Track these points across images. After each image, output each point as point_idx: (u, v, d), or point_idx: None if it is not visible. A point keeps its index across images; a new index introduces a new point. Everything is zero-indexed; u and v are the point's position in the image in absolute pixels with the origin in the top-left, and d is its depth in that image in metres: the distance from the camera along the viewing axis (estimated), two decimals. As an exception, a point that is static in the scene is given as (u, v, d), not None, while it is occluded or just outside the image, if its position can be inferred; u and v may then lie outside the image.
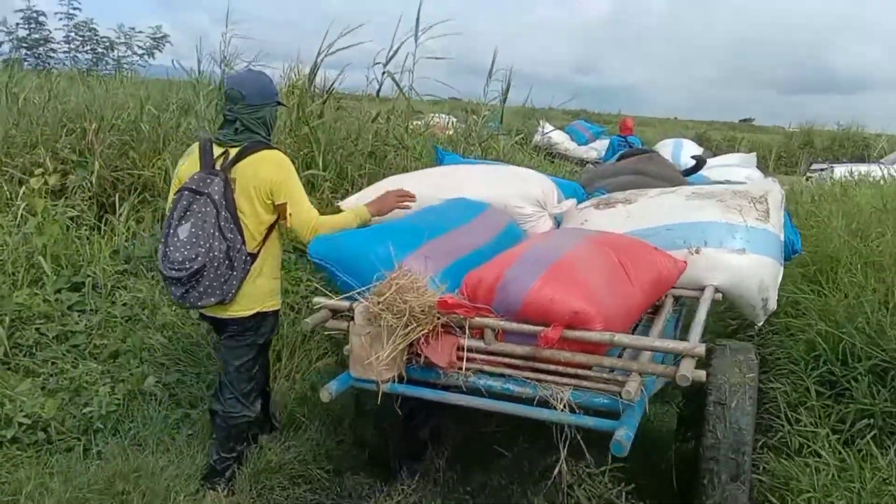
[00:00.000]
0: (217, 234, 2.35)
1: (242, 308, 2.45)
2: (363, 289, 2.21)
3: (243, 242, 2.40)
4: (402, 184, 3.03)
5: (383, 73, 4.99)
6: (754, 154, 9.16)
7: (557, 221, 3.16)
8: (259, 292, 2.48)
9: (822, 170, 11.14)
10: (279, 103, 2.59)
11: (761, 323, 2.85)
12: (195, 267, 2.32)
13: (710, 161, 7.68)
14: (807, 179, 10.98)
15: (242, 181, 2.37)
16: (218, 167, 2.38)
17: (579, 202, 3.26)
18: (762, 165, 12.85)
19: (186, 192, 2.38)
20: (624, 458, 1.91)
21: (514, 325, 2.08)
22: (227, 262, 2.37)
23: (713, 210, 2.79)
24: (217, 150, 2.44)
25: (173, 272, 2.34)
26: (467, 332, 2.11)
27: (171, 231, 2.36)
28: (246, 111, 2.44)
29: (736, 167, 6.90)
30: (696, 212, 2.83)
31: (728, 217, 2.76)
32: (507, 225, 2.87)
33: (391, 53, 4.84)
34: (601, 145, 9.85)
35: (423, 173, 3.48)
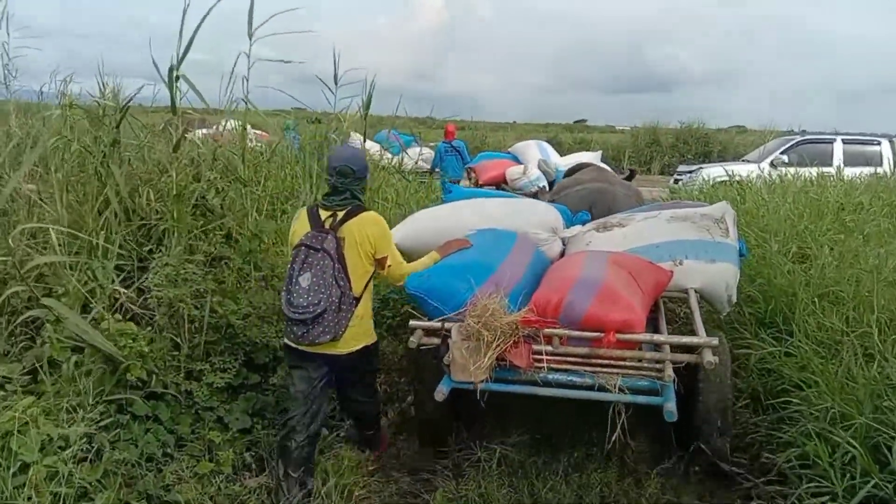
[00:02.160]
0: (333, 283, 2.94)
1: (353, 345, 3.07)
2: (455, 313, 3.02)
3: (350, 289, 2.98)
4: (435, 217, 4.07)
5: (175, 76, 3.94)
6: (600, 152, 10.71)
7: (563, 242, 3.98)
8: (364, 331, 3.11)
9: (690, 172, 12.18)
10: (367, 175, 3.32)
11: (726, 313, 3.86)
12: (318, 311, 2.91)
13: (564, 160, 9.46)
14: (675, 182, 12.19)
15: (350, 238, 2.97)
16: (327, 227, 2.98)
17: (570, 225, 4.17)
18: (616, 165, 14.41)
19: (304, 248, 2.98)
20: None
21: (578, 333, 2.88)
22: (339, 305, 2.94)
23: (689, 230, 3.77)
24: (324, 214, 3.04)
25: (297, 315, 2.92)
26: (542, 340, 2.91)
27: (293, 280, 2.94)
28: (356, 184, 3.11)
29: (594, 161, 8.41)
30: (677, 232, 3.80)
31: (700, 235, 3.74)
32: (535, 251, 3.73)
33: (180, 56, 3.95)
34: (425, 155, 10.48)
35: (450, 206, 4.31)
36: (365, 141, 6.24)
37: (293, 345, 3.01)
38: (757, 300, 4.32)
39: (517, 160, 9.48)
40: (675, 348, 2.99)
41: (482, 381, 3.02)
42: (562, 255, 3.99)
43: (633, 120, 26.58)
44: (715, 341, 2.91)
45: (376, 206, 4.70)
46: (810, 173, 7.82)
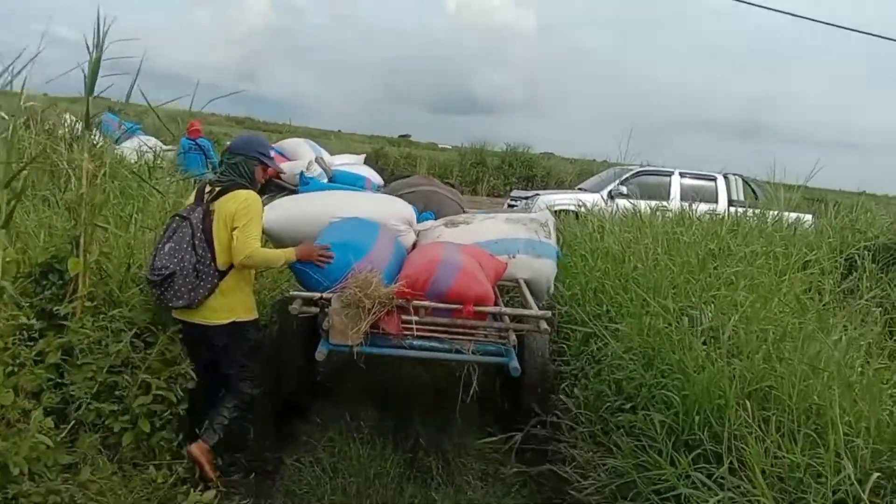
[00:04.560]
0: (189, 248, 3.51)
1: (222, 317, 3.63)
2: (335, 285, 3.92)
3: (213, 260, 3.56)
4: (304, 202, 5.03)
5: None
6: (363, 155, 11.61)
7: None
8: (235, 304, 3.67)
9: (526, 198, 12.61)
10: (257, 159, 3.79)
11: (544, 301, 5.29)
12: (166, 273, 3.45)
13: (334, 159, 10.32)
14: (509, 208, 12.57)
15: (219, 212, 3.61)
16: (205, 201, 3.66)
17: (421, 220, 5.48)
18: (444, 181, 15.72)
19: (176, 218, 3.64)
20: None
21: (443, 305, 4.06)
22: (194, 272, 3.52)
23: (521, 230, 5.19)
24: (208, 189, 3.70)
25: (152, 276, 3.50)
26: (411, 311, 3.96)
27: (160, 247, 3.55)
28: (228, 158, 3.77)
29: (355, 165, 9.54)
30: (511, 231, 5.16)
31: (530, 235, 5.16)
32: (395, 238, 4.88)
33: None
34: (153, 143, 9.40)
35: (319, 195, 5.36)
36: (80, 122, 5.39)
37: (175, 315, 3.65)
38: (668, 402, 3.57)
39: (284, 156, 10.29)
40: (515, 319, 4.17)
41: (358, 345, 3.84)
42: (414, 245, 5.16)
43: (455, 139, 27.97)
44: (549, 314, 4.18)
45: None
46: (649, 206, 8.22)
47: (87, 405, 3.46)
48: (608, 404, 3.99)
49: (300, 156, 10.00)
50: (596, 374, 4.43)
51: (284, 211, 4.81)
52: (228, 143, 3.94)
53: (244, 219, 3.55)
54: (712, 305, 4.29)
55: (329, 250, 4.04)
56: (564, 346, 5.20)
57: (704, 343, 3.80)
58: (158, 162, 6.93)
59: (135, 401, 3.52)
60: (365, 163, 10.10)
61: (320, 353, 3.88)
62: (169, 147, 8.88)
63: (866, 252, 5.93)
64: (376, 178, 8.42)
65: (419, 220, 5.43)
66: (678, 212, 7.84)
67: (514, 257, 4.94)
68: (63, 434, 3.28)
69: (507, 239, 5.04)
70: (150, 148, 7.52)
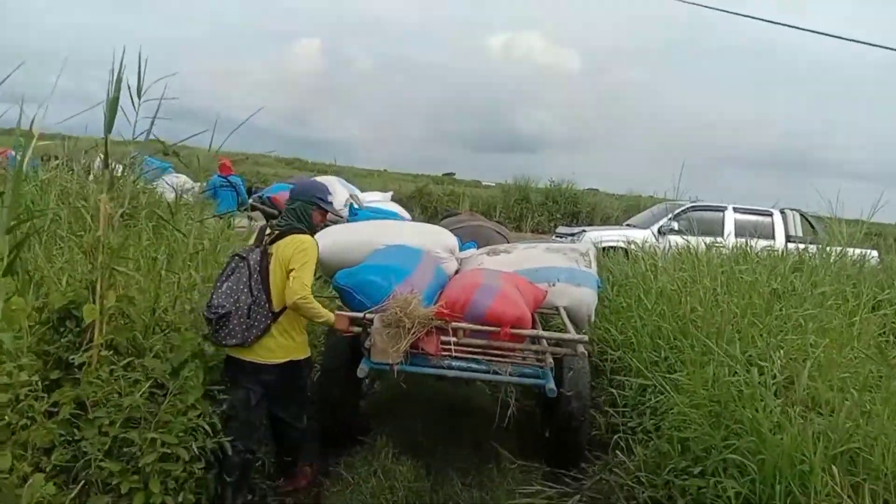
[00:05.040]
0: (246, 290, 3.60)
1: (279, 357, 3.71)
2: (377, 306, 4.02)
3: (267, 301, 3.65)
4: (353, 231, 5.32)
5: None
6: (391, 192, 12.13)
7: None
8: (292, 346, 3.77)
9: (572, 235, 12.24)
10: (314, 204, 3.90)
11: (586, 329, 5.27)
12: (222, 312, 3.53)
13: (365, 196, 10.84)
14: None
15: (277, 254, 3.72)
16: (265, 243, 3.81)
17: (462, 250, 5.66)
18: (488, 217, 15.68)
19: (235, 258, 3.74)
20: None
21: (481, 327, 4.14)
22: (248, 313, 3.59)
23: (560, 259, 5.30)
24: (269, 232, 3.86)
25: (208, 313, 3.58)
26: (450, 332, 4.04)
27: (218, 285, 3.65)
28: (288, 203, 3.93)
29: (383, 202, 10.04)
30: (552, 260, 5.28)
31: (570, 264, 5.25)
32: (437, 265, 5.06)
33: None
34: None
35: (366, 224, 5.66)
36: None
37: (228, 353, 3.71)
38: (737, 467, 3.23)
39: None
40: (553, 343, 4.23)
41: (398, 363, 3.92)
42: (456, 272, 5.35)
43: (499, 177, 28.17)
44: (585, 337, 4.20)
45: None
46: (702, 242, 7.57)
47: (98, 463, 3.15)
48: (671, 466, 3.65)
49: (333, 192, 10.19)
50: (655, 428, 4.14)
51: (334, 239, 4.95)
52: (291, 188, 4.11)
53: (300, 262, 3.63)
54: (781, 352, 3.94)
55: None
56: (618, 394, 4.88)
57: (775, 394, 3.47)
58: (182, 201, 6.49)
59: (143, 458, 3.20)
60: (392, 199, 10.53)
61: (361, 370, 3.98)
62: (197, 184, 8.41)
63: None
64: (405, 215, 8.63)
65: (462, 250, 5.65)
66: (736, 248, 7.35)
67: (553, 285, 5.02)
68: (72, 495, 3.03)
69: (547, 267, 5.15)
70: (174, 187, 7.21)
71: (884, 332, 4.63)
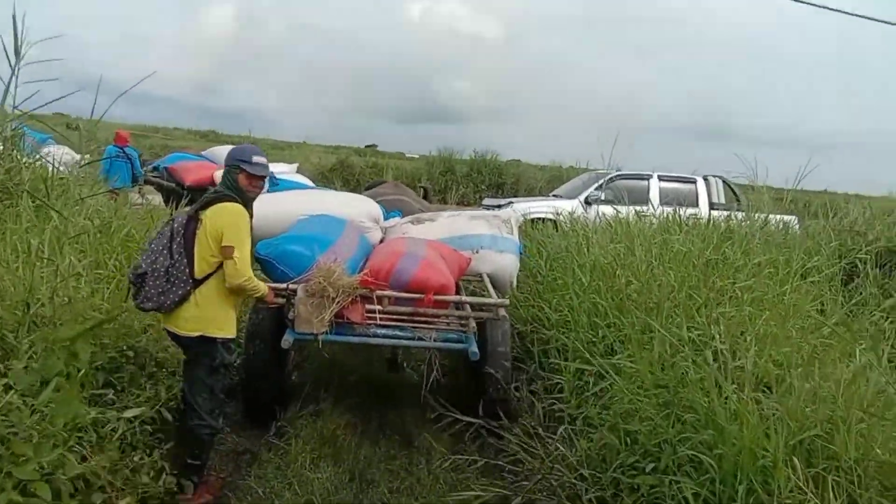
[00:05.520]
0: (165, 251, 3.44)
1: (191, 328, 3.46)
2: (300, 276, 3.98)
3: (188, 266, 3.43)
4: (277, 201, 5.05)
5: None
6: (296, 164, 11.72)
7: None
8: (207, 319, 3.48)
9: (498, 206, 11.79)
10: (237, 167, 3.61)
11: (508, 293, 5.39)
12: (139, 272, 3.41)
13: (276, 168, 10.52)
14: None
15: (205, 222, 3.48)
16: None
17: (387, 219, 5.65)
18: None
19: (170, 222, 3.56)
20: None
21: (406, 295, 4.18)
22: (165, 276, 3.41)
23: (484, 227, 5.41)
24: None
25: (129, 275, 3.50)
26: (375, 300, 4.07)
27: (145, 247, 3.58)
28: (228, 175, 3.64)
29: (290, 174, 9.47)
30: (475, 227, 5.37)
31: (493, 231, 5.37)
32: (361, 234, 5.06)
33: None
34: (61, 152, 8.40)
35: (291, 193, 5.46)
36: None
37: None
38: (693, 463, 3.00)
39: (214, 163, 10.01)
40: (476, 308, 4.35)
41: (323, 333, 3.91)
42: (381, 241, 5.35)
43: (422, 148, 27.70)
44: (506, 301, 4.46)
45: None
46: (632, 211, 7.63)
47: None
48: (619, 461, 3.27)
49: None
50: (598, 418, 3.71)
51: (256, 210, 4.66)
52: None
53: (235, 238, 3.45)
54: (721, 326, 3.69)
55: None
56: (554, 379, 4.44)
57: (725, 376, 3.14)
58: (61, 176, 5.67)
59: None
60: (298, 171, 10.21)
61: (286, 341, 3.95)
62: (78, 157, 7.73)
63: (868, 257, 5.58)
64: (310, 184, 8.35)
65: (387, 219, 5.68)
66: (665, 216, 7.21)
67: (477, 252, 5.17)
68: None
69: (471, 235, 5.29)
70: (52, 160, 5.96)
71: (817, 301, 4.54)
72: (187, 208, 3.69)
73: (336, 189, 12.15)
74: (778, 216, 6.90)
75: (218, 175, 8.79)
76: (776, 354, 3.43)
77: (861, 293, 4.96)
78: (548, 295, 5.66)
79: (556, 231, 8.05)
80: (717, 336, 3.51)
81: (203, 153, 10.73)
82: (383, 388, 5.31)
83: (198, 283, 3.44)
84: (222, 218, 3.45)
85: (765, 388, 3.16)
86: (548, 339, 5.16)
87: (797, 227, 7.35)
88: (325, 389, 4.98)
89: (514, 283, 5.50)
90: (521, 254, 5.58)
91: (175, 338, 3.56)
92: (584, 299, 5.01)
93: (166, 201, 9.51)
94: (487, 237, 5.26)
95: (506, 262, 5.24)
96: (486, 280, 5.03)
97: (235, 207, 3.53)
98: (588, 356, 4.20)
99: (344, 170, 22.33)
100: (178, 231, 3.46)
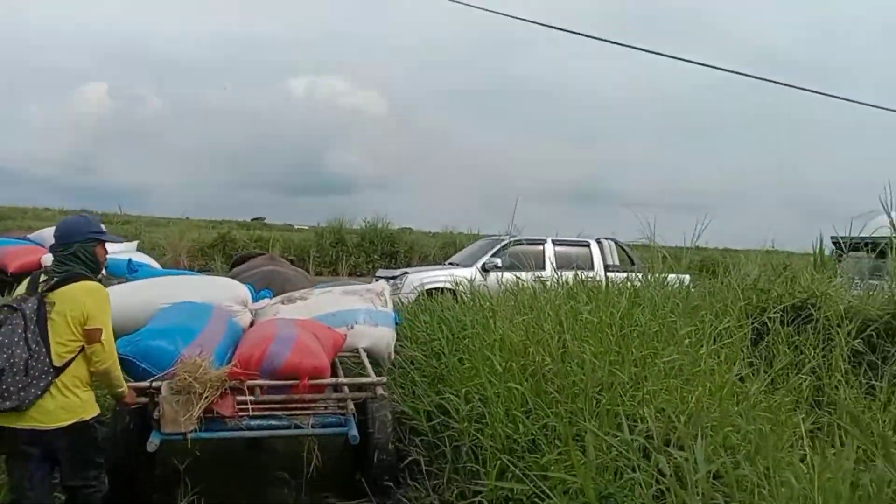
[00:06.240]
0: (23, 344, 3.08)
1: (62, 418, 3.15)
2: (164, 373, 3.72)
3: (47, 355, 3.13)
4: (129, 293, 4.65)
5: None
6: (136, 242, 10.73)
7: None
8: (76, 403, 3.22)
9: (393, 277, 11.28)
10: (93, 239, 3.43)
11: (387, 366, 5.36)
12: None
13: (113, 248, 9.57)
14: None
15: (60, 304, 3.20)
16: (39, 291, 3.27)
17: (256, 300, 5.38)
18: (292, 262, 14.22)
19: (5, 309, 3.20)
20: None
21: (279, 382, 3.97)
22: (24, 370, 3.06)
23: (357, 301, 5.29)
24: (43, 279, 3.30)
25: None
26: (245, 391, 3.84)
27: None
28: (59, 250, 3.38)
29: (126, 252, 8.66)
30: (348, 303, 5.22)
31: (366, 305, 5.26)
32: (229, 319, 4.72)
33: None
34: None
35: (144, 283, 5.02)
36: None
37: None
38: None
39: (43, 247, 8.87)
40: (353, 388, 4.23)
41: (192, 431, 3.67)
42: (251, 325, 5.08)
43: (312, 219, 27.06)
44: (384, 379, 4.34)
45: None
46: (531, 279, 7.10)
47: None
48: None
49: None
50: None
51: (114, 301, 4.01)
52: (55, 230, 3.52)
53: (102, 320, 3.26)
54: (651, 409, 3.26)
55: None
56: (478, 489, 3.64)
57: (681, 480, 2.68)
58: None
59: None
60: (138, 249, 9.40)
61: (151, 444, 3.69)
62: None
63: (777, 315, 5.34)
64: (156, 265, 7.69)
65: (255, 300, 5.40)
66: (564, 282, 6.79)
67: (352, 328, 5.03)
68: None
69: (344, 310, 5.14)
70: None
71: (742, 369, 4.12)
72: (20, 293, 3.29)
73: (217, 266, 11.24)
74: (672, 276, 6.54)
75: (47, 259, 7.90)
76: (721, 441, 3.02)
77: (772, 353, 4.68)
78: (452, 379, 4.92)
79: (456, 302, 7.63)
80: (652, 424, 3.04)
81: (28, 236, 9.31)
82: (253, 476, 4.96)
83: (59, 370, 3.16)
84: (85, 299, 3.23)
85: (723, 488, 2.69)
86: (458, 433, 4.23)
87: (691, 286, 7.26)
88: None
89: (392, 354, 5.39)
90: (397, 322, 5.57)
91: (34, 435, 3.12)
92: (499, 387, 4.15)
93: None
94: (362, 311, 5.19)
95: (382, 335, 5.20)
96: (364, 356, 4.89)
97: (96, 286, 3.36)
98: (510, 461, 3.46)
99: (226, 244, 20.84)
100: (30, 318, 3.13)
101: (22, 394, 3.04)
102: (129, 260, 6.36)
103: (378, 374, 4.67)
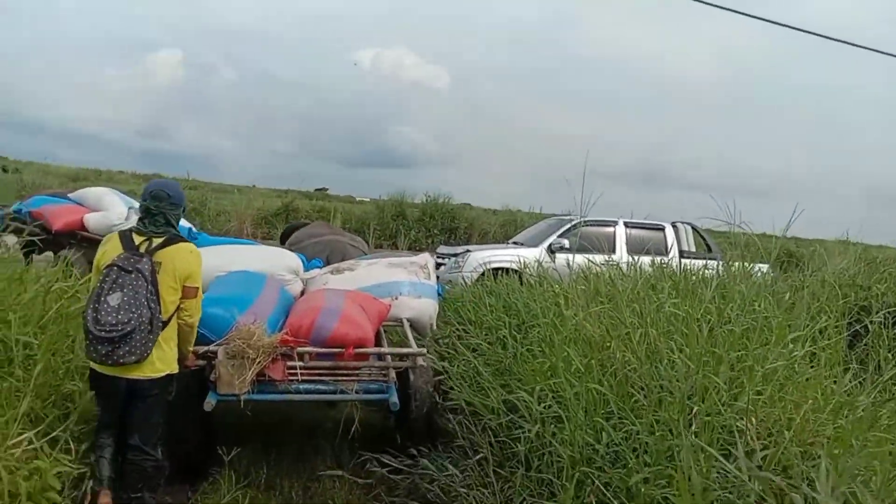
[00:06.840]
0: (145, 304, 3.34)
1: (159, 370, 3.47)
2: (220, 339, 3.97)
3: (160, 312, 3.45)
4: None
5: None
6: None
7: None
8: (170, 357, 3.58)
9: (454, 255, 10.77)
10: (184, 209, 3.76)
11: (429, 337, 5.57)
12: (127, 329, 3.26)
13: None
14: (437, 268, 10.64)
15: (166, 264, 3.49)
16: (143, 251, 3.49)
17: (307, 269, 5.69)
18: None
19: (115, 268, 3.37)
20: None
21: (326, 350, 4.23)
22: (149, 327, 3.36)
23: (402, 273, 5.50)
24: (137, 238, 3.53)
25: (104, 333, 3.25)
26: (295, 357, 4.10)
27: (101, 299, 3.30)
28: (171, 209, 3.62)
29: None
30: (393, 274, 5.46)
31: (410, 277, 5.47)
32: (281, 289, 5.04)
33: None
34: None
35: (204, 251, 4.87)
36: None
37: (98, 369, 3.42)
38: None
39: (86, 207, 8.88)
40: (395, 358, 4.48)
41: (245, 393, 3.92)
42: (302, 293, 5.40)
43: (373, 192, 26.61)
44: (424, 350, 4.53)
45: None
46: (595, 260, 6.74)
47: None
48: None
49: (105, 207, 8.61)
50: None
51: None
52: (149, 185, 3.68)
53: (199, 280, 3.64)
54: (753, 422, 2.79)
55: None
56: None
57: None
58: None
59: None
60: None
61: (208, 403, 3.93)
62: None
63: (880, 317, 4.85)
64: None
65: (307, 269, 5.70)
66: (635, 267, 6.24)
67: (396, 299, 5.25)
68: None
69: (389, 282, 5.36)
70: None
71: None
72: (118, 253, 3.42)
73: (278, 233, 11.08)
74: (755, 265, 5.92)
75: (91, 218, 8.03)
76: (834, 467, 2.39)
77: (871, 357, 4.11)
78: (521, 372, 4.27)
79: (521, 284, 7.04)
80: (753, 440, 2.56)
81: (70, 195, 9.26)
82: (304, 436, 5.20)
83: (165, 325, 3.50)
84: (189, 259, 3.59)
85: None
86: (530, 437, 3.55)
87: (770, 275, 6.63)
88: (247, 443, 4.62)
89: (434, 325, 5.65)
90: (440, 296, 5.78)
91: (132, 383, 3.40)
92: (579, 388, 3.56)
93: (26, 253, 7.86)
94: (406, 283, 5.40)
95: (425, 307, 5.41)
96: (407, 326, 5.14)
97: (195, 248, 3.70)
98: (589, 473, 3.01)
99: (289, 213, 20.94)
100: (149, 279, 3.38)
101: (143, 349, 3.33)
102: (190, 228, 6.49)
103: (420, 345, 4.85)
